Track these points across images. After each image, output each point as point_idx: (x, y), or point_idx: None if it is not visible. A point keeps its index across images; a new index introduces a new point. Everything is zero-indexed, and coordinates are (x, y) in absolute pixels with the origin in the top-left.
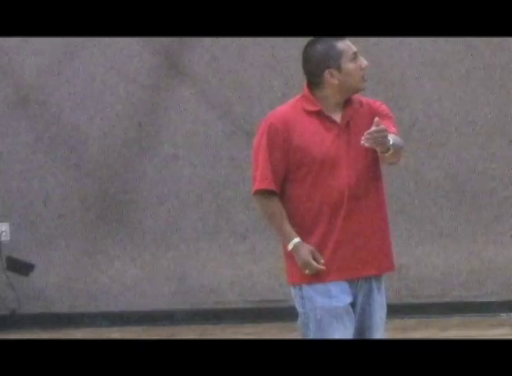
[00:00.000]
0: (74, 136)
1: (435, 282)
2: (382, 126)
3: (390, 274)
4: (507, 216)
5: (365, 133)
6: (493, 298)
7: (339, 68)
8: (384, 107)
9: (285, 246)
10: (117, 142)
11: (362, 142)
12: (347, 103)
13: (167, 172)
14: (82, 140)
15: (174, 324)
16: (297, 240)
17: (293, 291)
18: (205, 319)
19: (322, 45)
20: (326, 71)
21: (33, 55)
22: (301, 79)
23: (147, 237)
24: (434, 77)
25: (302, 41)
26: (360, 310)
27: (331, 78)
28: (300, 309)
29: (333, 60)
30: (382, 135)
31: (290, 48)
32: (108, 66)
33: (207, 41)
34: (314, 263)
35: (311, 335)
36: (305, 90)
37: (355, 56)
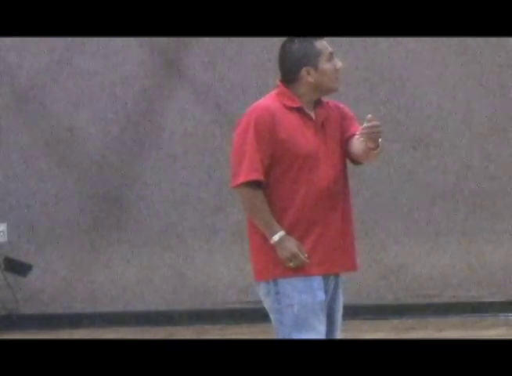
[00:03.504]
0: (72, 137)
1: (432, 282)
2: (376, 122)
3: (388, 274)
4: (504, 216)
5: (361, 127)
6: (491, 299)
7: (316, 67)
8: (348, 109)
9: (257, 241)
10: (114, 143)
11: (357, 136)
12: (318, 103)
13: (165, 173)
14: (80, 141)
15: (172, 325)
16: (282, 232)
17: (265, 287)
18: (203, 320)
19: (301, 43)
20: (304, 69)
21: (31, 55)
22: None
23: (145, 238)
24: (431, 78)
25: None
26: (328, 305)
27: (307, 76)
28: (274, 305)
29: (311, 59)
30: (378, 131)
31: None
32: (106, 66)
33: (204, 41)
34: (301, 255)
35: (287, 331)
36: (281, 87)
37: (331, 57)
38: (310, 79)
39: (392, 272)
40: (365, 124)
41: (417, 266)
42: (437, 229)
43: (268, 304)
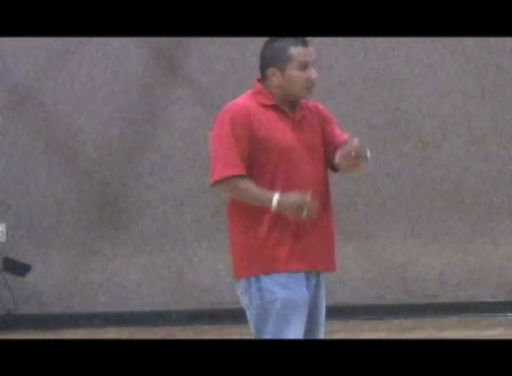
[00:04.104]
0: (70, 137)
1: (432, 282)
2: (357, 144)
3: (387, 275)
4: (503, 216)
5: (342, 152)
6: (489, 299)
7: (282, 71)
8: (328, 111)
9: (239, 239)
10: (113, 143)
11: (337, 161)
12: (295, 103)
13: (164, 172)
14: (78, 141)
15: (172, 325)
16: (277, 194)
17: (245, 284)
18: (201, 320)
19: (278, 44)
20: (270, 69)
21: (29, 55)
22: None
23: (144, 238)
24: (429, 78)
25: None
26: (310, 303)
27: (272, 76)
28: (255, 301)
29: (278, 62)
30: (360, 154)
31: None
32: (104, 66)
33: (204, 41)
34: (307, 201)
35: (269, 328)
36: (258, 85)
37: (303, 66)
38: (275, 80)
39: (392, 273)
40: (347, 150)
41: (417, 266)
42: (436, 229)
43: (246, 301)
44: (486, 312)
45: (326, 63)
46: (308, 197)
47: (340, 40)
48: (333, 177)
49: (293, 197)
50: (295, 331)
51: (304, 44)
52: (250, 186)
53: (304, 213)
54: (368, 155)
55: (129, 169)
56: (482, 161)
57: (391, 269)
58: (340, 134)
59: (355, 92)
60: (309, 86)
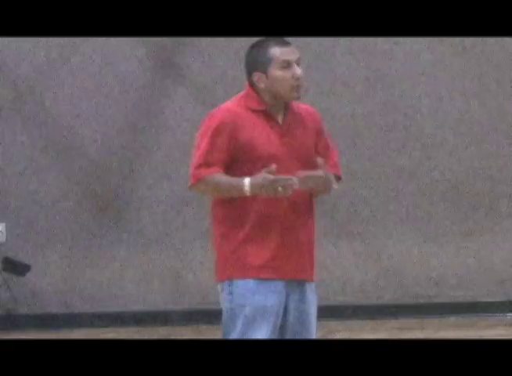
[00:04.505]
0: (70, 137)
1: (431, 282)
2: (323, 173)
3: (386, 275)
4: (503, 216)
5: (304, 176)
6: (489, 299)
7: (266, 73)
8: (320, 119)
9: (218, 242)
10: (112, 143)
11: (297, 187)
12: (286, 107)
13: (163, 173)
14: (78, 141)
15: (171, 325)
16: (247, 178)
17: (220, 287)
18: (201, 320)
19: (258, 47)
20: (254, 74)
21: (29, 55)
22: None
23: (143, 238)
24: (429, 77)
25: (299, 42)
26: (294, 309)
27: (258, 81)
28: (225, 305)
29: (261, 65)
30: (326, 183)
31: None
32: (103, 66)
33: (202, 41)
34: (279, 177)
35: (236, 331)
36: (248, 89)
37: (286, 65)
38: (261, 84)
39: (391, 273)
40: (314, 173)
41: (416, 266)
42: (436, 229)
43: (221, 303)
44: (485, 312)
45: (326, 63)
46: (273, 171)
47: (340, 40)
48: None
49: (263, 178)
50: (261, 337)
51: (285, 43)
52: (220, 180)
53: (280, 190)
54: (334, 186)
55: (129, 169)
56: (482, 161)
57: (391, 269)
58: (330, 154)
59: (355, 92)
60: (295, 85)
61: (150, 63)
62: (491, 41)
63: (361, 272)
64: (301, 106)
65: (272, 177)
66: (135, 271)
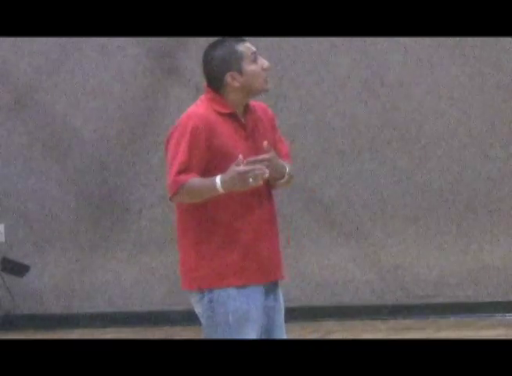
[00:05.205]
0: (69, 137)
1: (431, 282)
2: (272, 154)
3: (386, 275)
4: (502, 217)
5: (253, 159)
6: (488, 299)
7: (240, 71)
8: (273, 114)
9: (193, 250)
10: (112, 143)
11: (267, 175)
12: (246, 107)
13: (163, 173)
14: (77, 141)
15: (171, 325)
16: (218, 176)
17: (198, 295)
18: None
19: (222, 47)
20: (227, 74)
21: (28, 55)
22: (293, 79)
23: (142, 238)
24: (428, 78)
25: (298, 41)
26: (270, 310)
27: (233, 81)
28: (207, 313)
29: (234, 63)
30: (276, 164)
31: (285, 48)
32: (103, 66)
33: (202, 41)
34: (250, 168)
35: (219, 337)
36: (210, 92)
37: (255, 57)
38: (236, 84)
39: (390, 273)
40: (264, 156)
41: (415, 266)
42: (435, 229)
43: (199, 311)
44: (485, 313)
45: (326, 63)
46: (241, 162)
47: (340, 40)
48: (332, 177)
49: (234, 171)
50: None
51: (242, 39)
52: (195, 184)
53: (251, 181)
54: (287, 169)
55: (128, 169)
56: (481, 161)
57: (390, 269)
58: (282, 146)
59: (355, 92)
60: (265, 76)
61: (150, 63)
62: (491, 41)
63: (360, 273)
64: (254, 103)
65: (241, 168)
66: (134, 271)
